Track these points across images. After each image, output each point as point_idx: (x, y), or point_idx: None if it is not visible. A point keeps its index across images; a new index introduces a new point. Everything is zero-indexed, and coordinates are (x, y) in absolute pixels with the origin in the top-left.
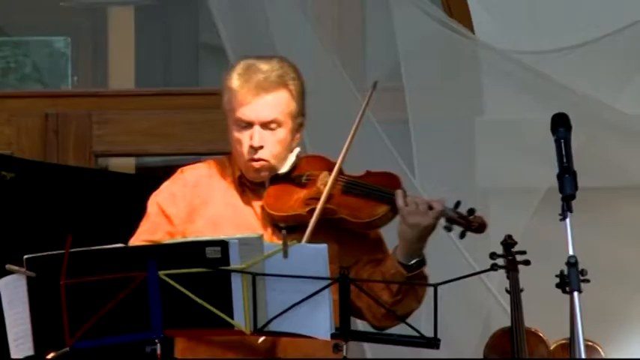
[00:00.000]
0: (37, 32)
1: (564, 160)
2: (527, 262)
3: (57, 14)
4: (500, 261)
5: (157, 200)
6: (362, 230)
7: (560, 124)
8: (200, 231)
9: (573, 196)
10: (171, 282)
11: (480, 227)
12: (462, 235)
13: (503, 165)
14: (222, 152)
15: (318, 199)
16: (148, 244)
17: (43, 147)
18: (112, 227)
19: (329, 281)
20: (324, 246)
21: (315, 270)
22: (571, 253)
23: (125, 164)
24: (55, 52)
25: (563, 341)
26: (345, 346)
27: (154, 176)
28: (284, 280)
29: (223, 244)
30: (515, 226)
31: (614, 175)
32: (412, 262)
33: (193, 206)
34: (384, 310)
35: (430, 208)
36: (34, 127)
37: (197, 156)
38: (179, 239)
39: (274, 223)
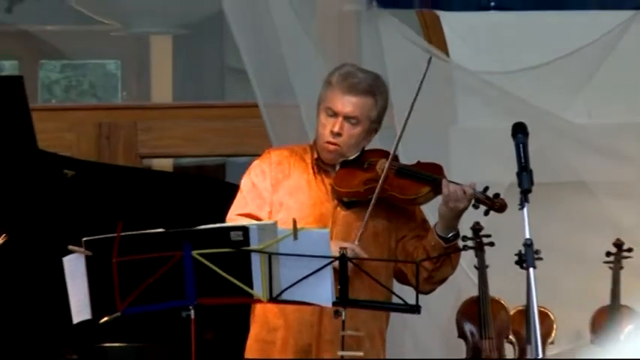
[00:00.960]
0: (93, 56)
1: (522, 161)
2: (491, 244)
3: (109, 42)
4: (470, 243)
5: (250, 177)
6: (407, 206)
7: (519, 132)
8: (280, 200)
9: (529, 190)
10: (203, 260)
11: (501, 208)
12: (486, 213)
13: (473, 164)
14: (245, 154)
15: (376, 180)
16: (184, 229)
17: (97, 150)
18: (154, 215)
19: (331, 259)
20: (326, 231)
21: (319, 250)
22: (527, 236)
23: (164, 164)
24: (107, 73)
25: (521, 307)
26: (343, 312)
27: (188, 174)
28: (294, 259)
29: (245, 229)
30: (482, 216)
31: (563, 172)
32: (450, 235)
33: (277, 180)
34: (425, 275)
35: (464, 192)
36: (90, 133)
37: (224, 157)
38: (209, 225)
39: (339, 198)
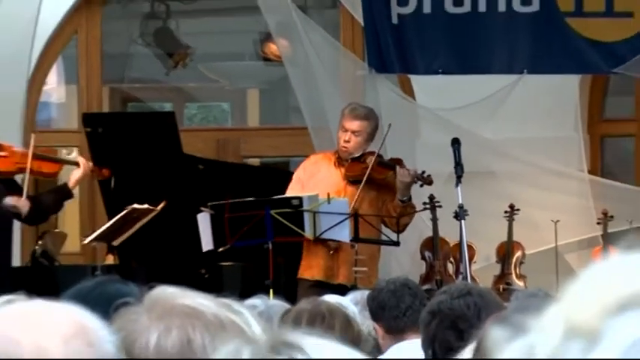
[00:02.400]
0: (214, 101)
1: (457, 159)
2: (440, 206)
3: (224, 92)
4: (428, 205)
5: (297, 171)
6: (383, 182)
7: (456, 142)
8: (314, 183)
9: (461, 176)
10: (276, 215)
11: (430, 182)
12: (421, 186)
13: (428, 160)
14: (299, 155)
15: (367, 168)
16: (265, 198)
17: (217, 153)
18: (249, 189)
19: (348, 215)
20: (346, 199)
21: (341, 209)
22: (460, 202)
23: (254, 161)
24: (223, 110)
25: (456, 242)
26: (356, 245)
27: (268, 166)
28: (328, 215)
29: (300, 198)
30: (435, 191)
31: (481, 165)
32: (404, 199)
33: (312, 172)
34: (394, 222)
35: (408, 173)
36: (213, 144)
37: (288, 157)
38: (281, 195)
39: (347, 179)
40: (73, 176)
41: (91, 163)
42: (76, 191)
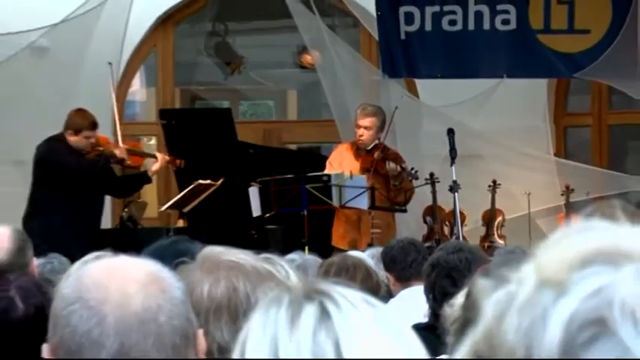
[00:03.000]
0: (262, 99)
1: (451, 144)
2: (438, 182)
3: (269, 92)
4: (429, 181)
5: (329, 158)
6: (385, 173)
7: (450, 132)
8: (341, 166)
9: (455, 157)
10: (310, 189)
11: (416, 177)
12: (410, 180)
13: (430, 146)
14: (330, 142)
15: (374, 162)
16: (302, 175)
17: (270, 141)
18: (289, 168)
19: (365, 189)
20: (364, 176)
21: (361, 184)
22: (454, 178)
23: (293, 146)
24: (269, 107)
25: (450, 209)
26: (372, 213)
27: (304, 150)
28: (350, 188)
29: (329, 175)
30: (435, 170)
31: (471, 149)
32: (395, 184)
33: (339, 161)
34: (392, 197)
35: (397, 168)
36: (260, 133)
37: (321, 143)
38: (314, 173)
39: (361, 169)
40: (153, 167)
41: (167, 157)
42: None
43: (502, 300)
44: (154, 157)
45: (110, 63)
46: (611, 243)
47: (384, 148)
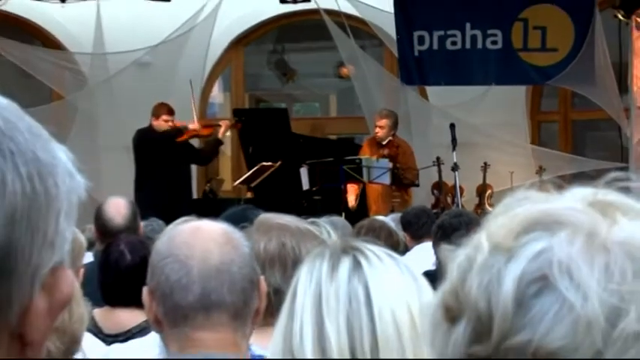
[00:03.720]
0: (308, 101)
1: (453, 136)
2: (443, 163)
3: (315, 96)
4: (436, 163)
5: (361, 150)
6: (396, 159)
7: (452, 126)
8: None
9: (455, 145)
10: (346, 169)
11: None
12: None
13: (438, 138)
14: (363, 133)
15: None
16: (340, 158)
17: (316, 133)
18: (330, 154)
19: (387, 169)
20: (387, 160)
21: (385, 165)
22: (455, 160)
23: (333, 137)
24: (315, 108)
25: (452, 184)
26: (393, 187)
27: (343, 138)
28: (377, 169)
29: (360, 159)
30: (441, 154)
31: (469, 139)
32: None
33: (368, 148)
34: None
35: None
36: (308, 127)
37: (355, 135)
38: (349, 157)
39: (380, 156)
40: (220, 131)
41: (228, 122)
42: (228, 153)
43: (463, 263)
44: (219, 125)
45: (190, 80)
46: (546, 212)
47: (397, 145)
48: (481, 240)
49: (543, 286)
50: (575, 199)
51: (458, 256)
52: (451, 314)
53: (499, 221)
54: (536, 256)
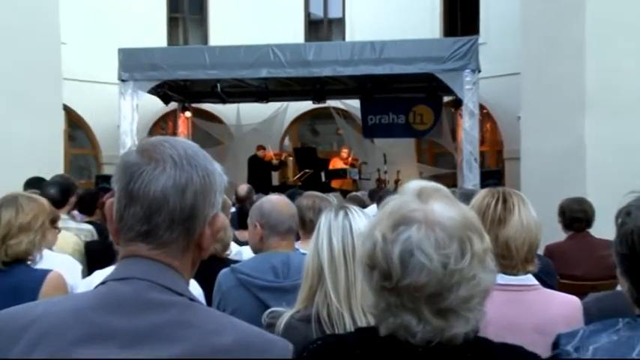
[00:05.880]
0: (325, 143)
1: (385, 159)
2: (378, 169)
3: (327, 142)
4: (377, 170)
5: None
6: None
7: (384, 155)
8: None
9: (385, 162)
10: (340, 172)
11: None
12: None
13: (380, 158)
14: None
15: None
16: (342, 169)
17: (324, 157)
18: (327, 167)
19: (357, 172)
20: (356, 169)
21: (356, 171)
22: (385, 169)
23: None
24: (327, 146)
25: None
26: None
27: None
28: (351, 171)
29: (345, 169)
30: (380, 166)
31: (391, 159)
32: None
33: (342, 164)
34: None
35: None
36: (324, 156)
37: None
38: (341, 168)
39: (349, 166)
40: (273, 160)
41: (286, 153)
42: (290, 165)
43: (370, 241)
44: (281, 154)
45: (270, 136)
46: (401, 214)
47: (356, 159)
48: (375, 230)
49: (410, 255)
50: (410, 191)
51: (368, 236)
52: (369, 266)
53: (384, 215)
54: (405, 240)
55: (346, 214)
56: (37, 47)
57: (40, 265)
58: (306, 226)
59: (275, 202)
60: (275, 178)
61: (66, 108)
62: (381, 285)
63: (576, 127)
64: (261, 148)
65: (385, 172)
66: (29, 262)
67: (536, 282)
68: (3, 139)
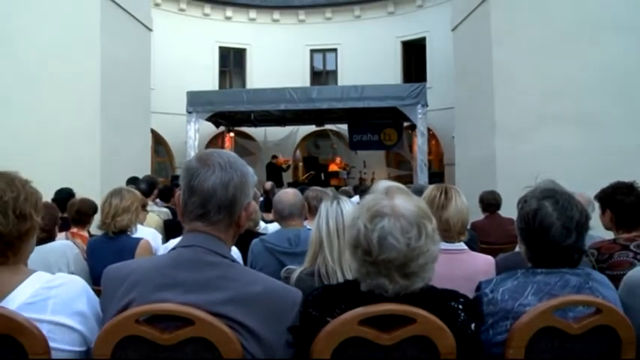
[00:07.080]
0: (323, 154)
1: (364, 163)
2: (360, 171)
3: (324, 152)
4: (360, 171)
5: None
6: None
7: (364, 162)
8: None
9: (365, 165)
10: (335, 173)
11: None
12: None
13: (360, 164)
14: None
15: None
16: (337, 170)
17: (324, 162)
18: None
19: (347, 173)
20: (345, 171)
21: (345, 172)
22: (365, 170)
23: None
24: (326, 155)
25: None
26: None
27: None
28: (343, 173)
29: (338, 171)
30: (361, 168)
31: (370, 165)
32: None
33: (338, 167)
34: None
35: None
36: (324, 162)
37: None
38: (336, 170)
39: (342, 168)
40: (290, 163)
41: (284, 161)
42: (300, 168)
43: (355, 228)
44: (289, 160)
45: (283, 150)
46: (376, 209)
47: (346, 164)
48: (359, 221)
49: (384, 239)
50: (380, 190)
51: (352, 225)
52: (354, 246)
53: (363, 209)
54: (380, 229)
55: (338, 202)
56: (135, 92)
57: (135, 235)
58: (311, 210)
59: (282, 195)
60: (286, 177)
61: (153, 131)
62: (363, 259)
63: (490, 144)
64: (274, 157)
65: (365, 173)
66: (128, 233)
67: (465, 247)
68: (113, 152)
